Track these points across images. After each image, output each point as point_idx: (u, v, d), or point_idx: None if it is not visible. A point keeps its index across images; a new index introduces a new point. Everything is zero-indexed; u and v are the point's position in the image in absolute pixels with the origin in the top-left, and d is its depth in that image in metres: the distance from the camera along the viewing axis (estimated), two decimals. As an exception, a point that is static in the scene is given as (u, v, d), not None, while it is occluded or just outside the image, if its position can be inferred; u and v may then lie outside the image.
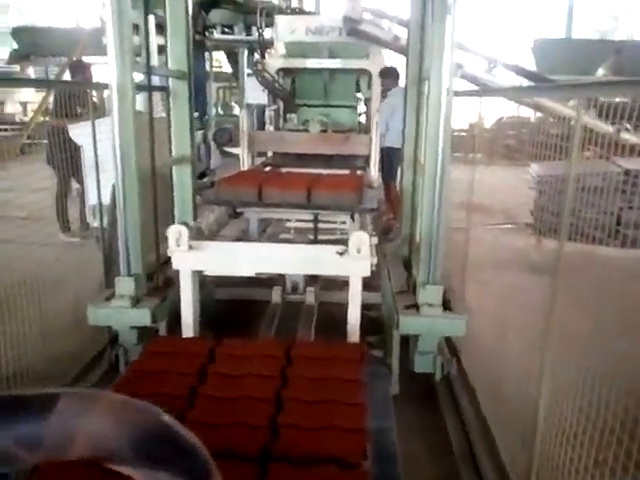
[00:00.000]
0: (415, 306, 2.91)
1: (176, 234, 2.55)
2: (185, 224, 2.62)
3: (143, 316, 2.84)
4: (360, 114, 7.37)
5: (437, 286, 2.88)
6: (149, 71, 2.94)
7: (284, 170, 4.23)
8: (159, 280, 3.12)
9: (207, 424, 1.77)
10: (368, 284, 4.32)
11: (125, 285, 2.87)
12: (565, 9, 17.35)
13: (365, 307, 4.21)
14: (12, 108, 13.18)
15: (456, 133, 4.83)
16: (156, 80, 3.64)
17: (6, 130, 9.30)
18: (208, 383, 2.02)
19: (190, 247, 2.59)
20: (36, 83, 7.15)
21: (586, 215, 3.94)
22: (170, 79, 3.47)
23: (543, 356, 1.91)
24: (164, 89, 3.50)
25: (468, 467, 2.47)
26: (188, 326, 2.74)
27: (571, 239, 2.51)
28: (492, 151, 4.36)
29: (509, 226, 6.41)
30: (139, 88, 3.13)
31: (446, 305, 2.93)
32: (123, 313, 2.82)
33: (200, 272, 2.77)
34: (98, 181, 3.15)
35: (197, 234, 2.82)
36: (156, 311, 2.89)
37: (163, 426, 0.78)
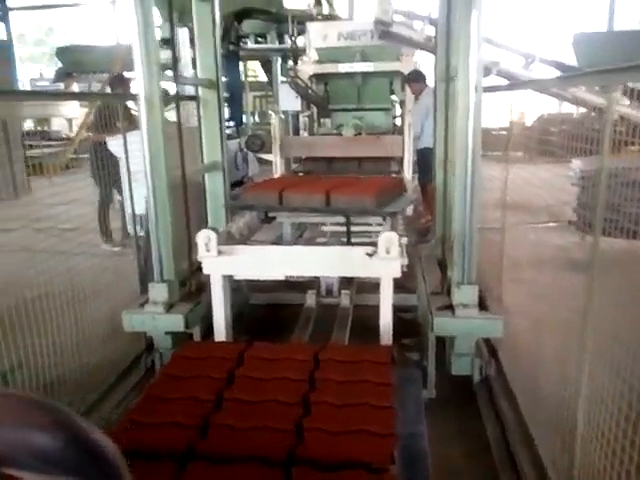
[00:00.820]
0: (450, 307, 2.84)
1: (205, 239, 2.57)
2: (214, 229, 2.63)
3: (176, 321, 2.87)
4: (395, 117, 7.31)
5: (472, 286, 2.80)
6: (177, 80, 2.98)
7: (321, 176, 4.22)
8: (192, 286, 3.16)
9: (233, 428, 1.77)
10: (404, 286, 4.28)
11: (158, 291, 2.91)
12: (606, 1, 16.80)
13: (402, 309, 4.18)
14: (58, 124, 13.68)
15: (495, 132, 4.73)
16: (191, 91, 3.69)
17: (51, 146, 9.65)
18: (235, 387, 2.02)
19: (219, 252, 2.60)
20: (66, 96, 7.40)
21: (631, 210, 3.79)
22: (200, 88, 3.51)
23: (581, 357, 1.83)
24: (194, 98, 3.54)
25: (508, 472, 2.39)
26: (220, 330, 2.75)
27: (610, 235, 2.42)
28: (534, 149, 4.23)
29: (552, 224, 6.23)
30: (171, 99, 3.19)
31: (482, 305, 2.86)
32: (157, 319, 2.86)
33: (230, 277, 2.78)
34: (131, 190, 3.21)
35: (227, 239, 2.84)
36: (189, 316, 2.91)
37: (68, 427, 0.71)
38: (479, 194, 2.76)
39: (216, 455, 1.65)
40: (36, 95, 5.68)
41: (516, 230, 5.08)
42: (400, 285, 4.25)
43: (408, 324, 3.87)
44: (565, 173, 5.98)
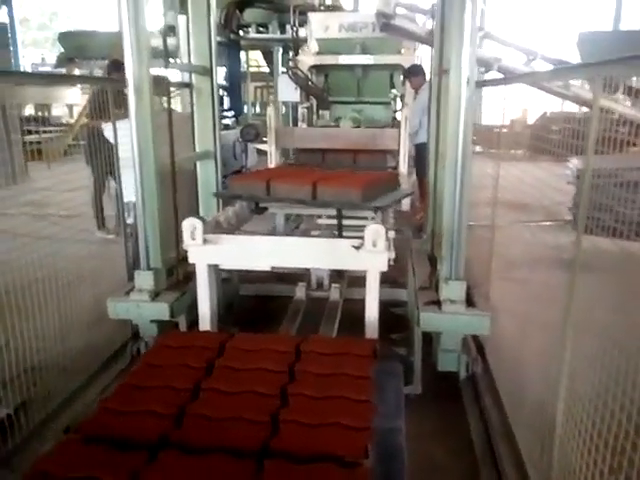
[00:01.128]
0: (437, 302, 2.82)
1: (191, 227, 2.55)
2: (200, 218, 2.61)
3: (161, 310, 2.85)
4: (396, 111, 7.27)
5: (460, 282, 2.78)
6: (167, 66, 2.95)
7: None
8: (179, 274, 3.14)
9: (208, 418, 1.75)
10: (397, 281, 4.27)
11: (144, 279, 2.89)
12: (613, 0, 16.67)
13: (393, 304, 4.17)
14: (59, 111, 13.64)
15: (496, 130, 4.71)
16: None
17: (50, 132, 9.61)
18: (214, 377, 2.01)
19: (205, 241, 2.58)
20: (57, 79, 7.38)
21: (624, 210, 3.77)
22: (193, 75, 3.48)
23: (561, 358, 1.81)
24: (187, 86, 3.51)
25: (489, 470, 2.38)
26: (205, 320, 2.73)
27: (589, 233, 2.40)
28: (535, 147, 4.20)
29: (548, 223, 6.22)
30: (162, 85, 3.15)
31: (470, 302, 2.84)
32: (142, 307, 2.84)
33: (216, 266, 2.76)
34: (119, 177, 3.20)
35: (215, 228, 2.81)
36: (175, 305, 2.89)
37: None
38: (469, 189, 2.73)
39: (189, 445, 1.64)
40: (25, 77, 5.63)
41: (510, 228, 5.07)
42: (393, 280, 4.25)
43: (399, 319, 3.86)
44: (564, 172, 5.96)
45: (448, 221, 2.76)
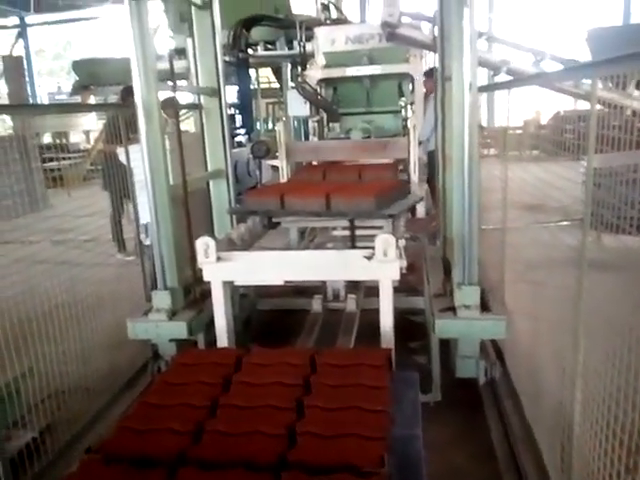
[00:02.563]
0: (452, 308, 2.82)
1: (204, 246, 2.59)
2: (213, 236, 2.65)
3: (179, 329, 2.89)
4: (405, 119, 7.29)
5: (473, 287, 2.77)
6: (174, 89, 3.02)
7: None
8: (196, 293, 3.18)
9: (225, 433, 1.77)
10: (416, 289, 4.25)
11: (161, 299, 2.93)
12: (622, -5, 16.51)
13: (412, 312, 4.15)
14: (76, 137, 13.94)
15: (511, 131, 4.71)
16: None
17: (69, 158, 9.82)
18: (231, 392, 2.03)
19: (219, 258, 2.62)
20: (69, 108, 7.59)
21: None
22: (201, 96, 3.55)
23: (576, 359, 1.80)
24: (196, 107, 3.58)
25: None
26: (222, 337, 2.76)
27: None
28: (549, 147, 4.18)
29: (566, 223, 6.14)
30: (170, 108, 3.22)
31: (485, 307, 2.83)
32: (160, 326, 2.89)
33: (231, 283, 2.80)
34: (134, 199, 3.26)
35: (228, 245, 2.85)
36: (192, 324, 2.93)
37: None
38: (478, 193, 2.73)
39: (207, 461, 1.66)
40: (41, 108, 5.80)
41: (527, 229, 5.02)
42: (412, 288, 4.24)
43: (419, 327, 3.85)
44: (580, 171, 5.89)
45: (458, 226, 2.76)
